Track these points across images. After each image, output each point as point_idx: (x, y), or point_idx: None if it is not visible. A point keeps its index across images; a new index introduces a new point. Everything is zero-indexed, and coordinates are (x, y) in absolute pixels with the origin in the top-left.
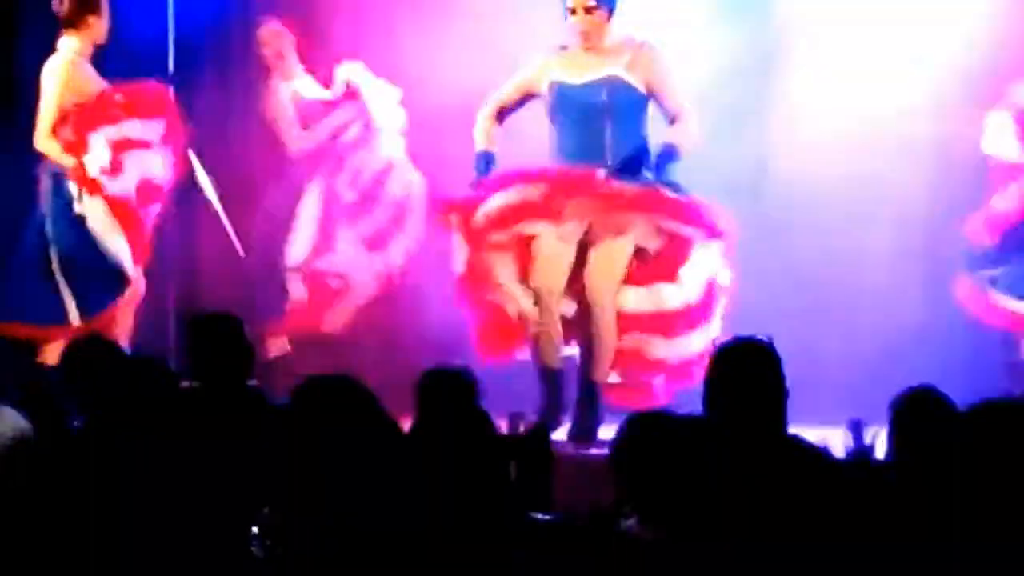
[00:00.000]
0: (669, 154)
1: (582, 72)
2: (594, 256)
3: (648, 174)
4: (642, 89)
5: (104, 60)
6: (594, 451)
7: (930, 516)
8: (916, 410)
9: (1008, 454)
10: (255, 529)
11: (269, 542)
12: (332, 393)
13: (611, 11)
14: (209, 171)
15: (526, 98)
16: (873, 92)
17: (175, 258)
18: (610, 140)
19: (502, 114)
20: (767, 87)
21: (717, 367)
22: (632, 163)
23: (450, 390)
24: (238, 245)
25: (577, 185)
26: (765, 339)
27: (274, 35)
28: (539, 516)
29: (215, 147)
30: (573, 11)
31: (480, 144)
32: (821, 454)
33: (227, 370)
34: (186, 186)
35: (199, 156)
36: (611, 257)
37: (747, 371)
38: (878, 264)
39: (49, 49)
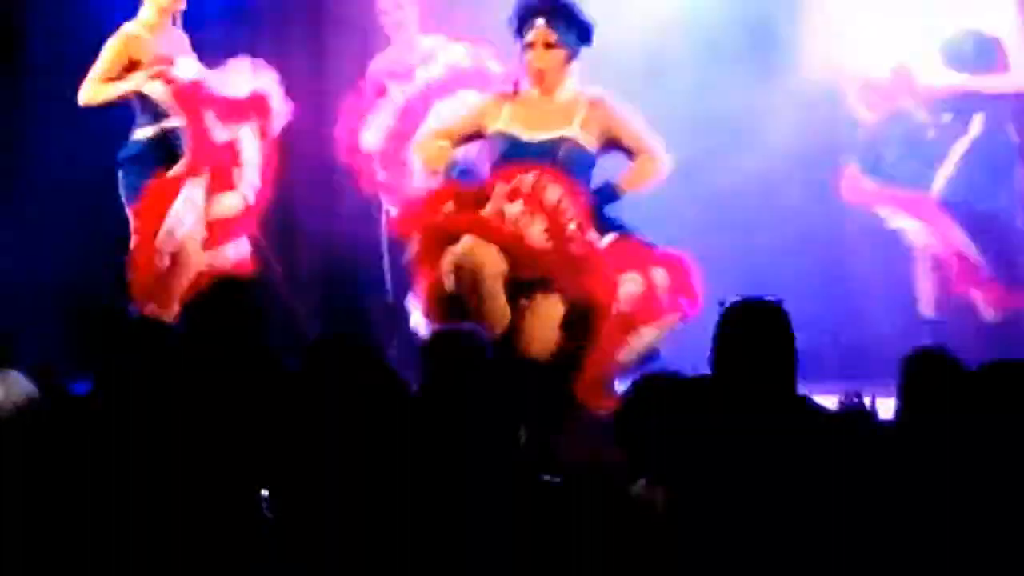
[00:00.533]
0: (608, 194)
1: (533, 127)
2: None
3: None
4: (595, 148)
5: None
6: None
7: (937, 475)
8: (926, 369)
9: (1017, 414)
10: (265, 492)
11: (279, 503)
12: (343, 353)
13: (571, 55)
14: None
15: (471, 136)
16: None
17: None
18: None
19: (450, 139)
20: None
21: (726, 327)
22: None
23: (459, 352)
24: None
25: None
26: (775, 299)
27: (395, 4)
28: (549, 478)
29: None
30: (531, 45)
31: (435, 164)
32: (830, 415)
33: (239, 331)
34: None
35: None
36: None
37: (756, 331)
38: None
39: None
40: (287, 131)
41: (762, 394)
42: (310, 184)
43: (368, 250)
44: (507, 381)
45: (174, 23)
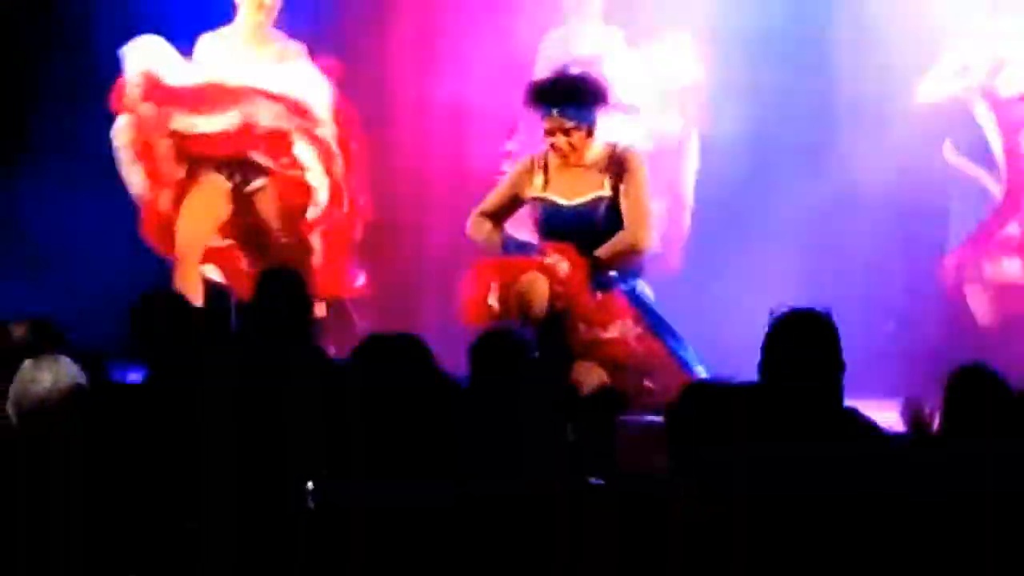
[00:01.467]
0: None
1: (569, 192)
2: None
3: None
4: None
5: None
6: (652, 417)
7: (981, 491)
8: (969, 386)
9: None
10: (310, 484)
11: (324, 495)
12: (393, 350)
13: (591, 129)
14: None
15: (513, 206)
16: None
17: None
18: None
19: (494, 219)
20: None
21: (774, 336)
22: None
23: (506, 351)
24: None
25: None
26: (823, 310)
27: None
28: (595, 480)
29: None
30: (550, 132)
31: (492, 239)
32: (875, 427)
33: (288, 324)
34: None
35: None
36: None
37: (803, 341)
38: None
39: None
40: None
41: (808, 403)
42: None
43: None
44: (553, 380)
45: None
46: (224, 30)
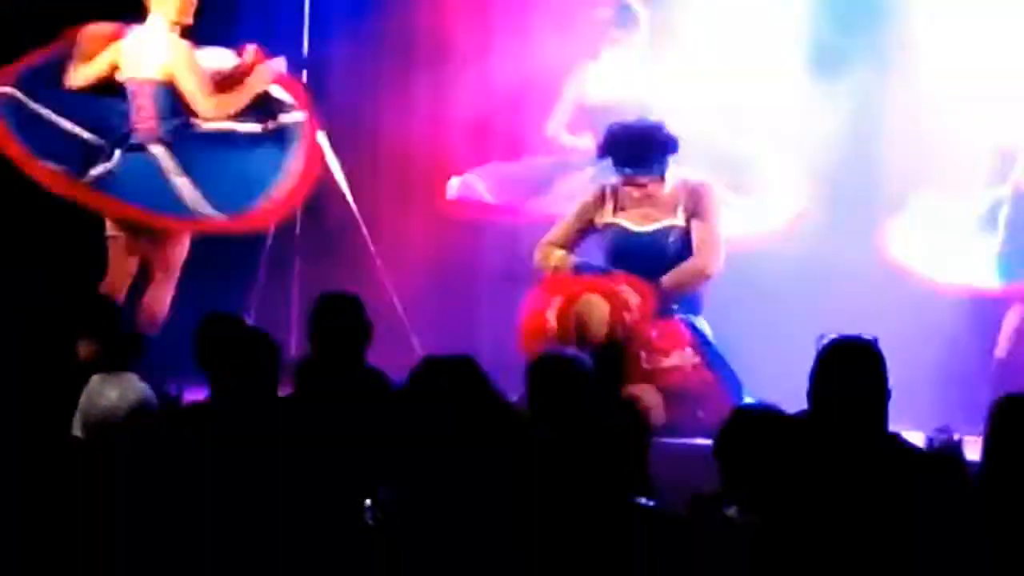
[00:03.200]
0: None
1: (641, 219)
2: None
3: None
4: None
5: (239, 38)
6: (695, 440)
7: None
8: (1014, 416)
9: None
10: (368, 501)
11: (381, 515)
12: (450, 373)
13: (663, 174)
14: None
15: (584, 232)
16: None
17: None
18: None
19: (563, 246)
20: None
21: (822, 364)
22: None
23: (564, 376)
24: (365, 231)
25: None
26: (870, 338)
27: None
28: (642, 501)
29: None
30: (625, 184)
31: (564, 263)
32: (920, 454)
33: (346, 346)
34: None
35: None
36: None
37: (850, 369)
38: None
39: None
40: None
41: (853, 430)
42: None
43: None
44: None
45: None
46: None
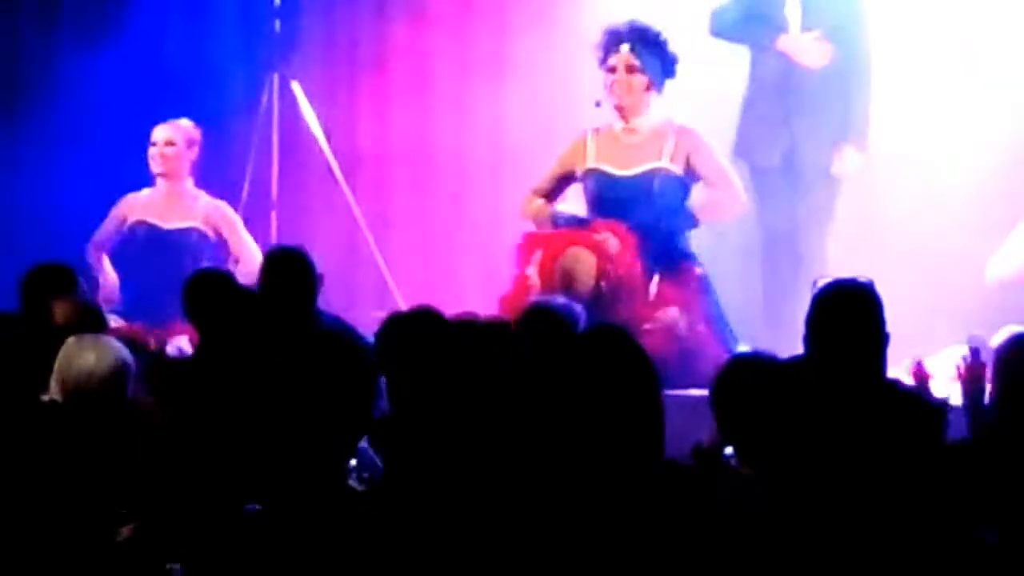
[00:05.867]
0: (688, 221)
1: (624, 163)
2: None
3: None
4: (683, 173)
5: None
6: (692, 391)
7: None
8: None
9: None
10: (353, 462)
11: (366, 475)
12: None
13: (653, 83)
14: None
15: (565, 181)
16: None
17: None
18: (657, 227)
19: (545, 197)
20: None
21: (817, 308)
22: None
23: (557, 323)
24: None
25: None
26: (866, 281)
27: None
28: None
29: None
30: (613, 69)
31: (542, 214)
32: (919, 399)
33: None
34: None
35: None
36: None
37: (847, 313)
38: None
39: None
40: None
41: (851, 374)
42: None
43: None
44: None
45: None
46: None
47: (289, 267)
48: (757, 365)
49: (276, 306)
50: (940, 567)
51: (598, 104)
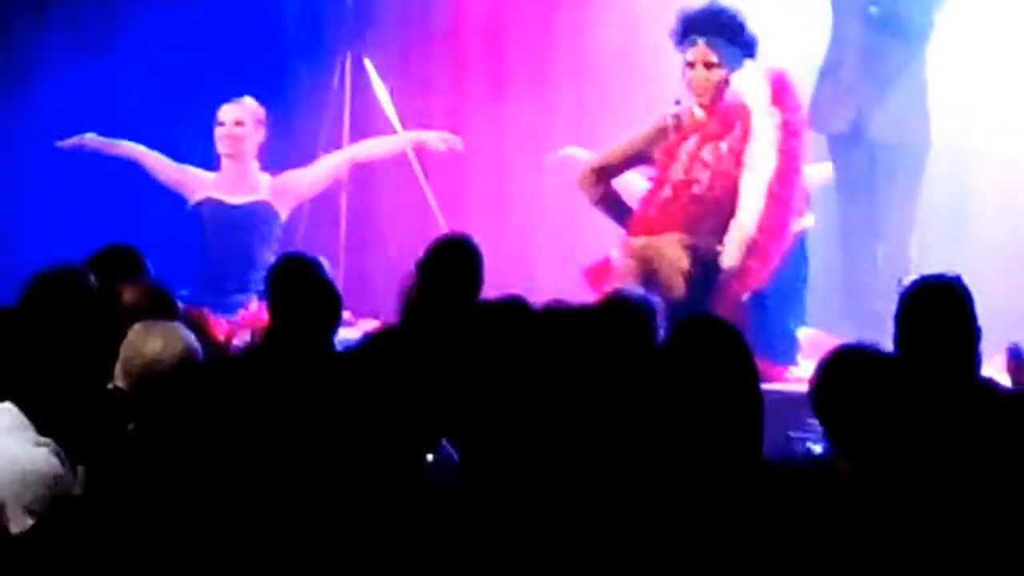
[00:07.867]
0: None
1: None
2: None
3: None
4: None
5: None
6: (790, 386)
7: None
8: None
9: None
10: (430, 457)
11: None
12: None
13: (733, 71)
14: None
15: (634, 162)
16: None
17: None
18: None
19: (605, 171)
20: None
21: (906, 306)
22: None
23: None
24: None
25: None
26: (954, 277)
27: None
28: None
29: None
30: (692, 65)
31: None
32: (1014, 397)
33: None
34: None
35: None
36: None
37: (937, 308)
38: None
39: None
40: None
41: (946, 374)
42: None
43: None
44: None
45: None
46: None
47: (459, 255)
48: (857, 361)
49: (439, 294)
50: None
51: (678, 103)
